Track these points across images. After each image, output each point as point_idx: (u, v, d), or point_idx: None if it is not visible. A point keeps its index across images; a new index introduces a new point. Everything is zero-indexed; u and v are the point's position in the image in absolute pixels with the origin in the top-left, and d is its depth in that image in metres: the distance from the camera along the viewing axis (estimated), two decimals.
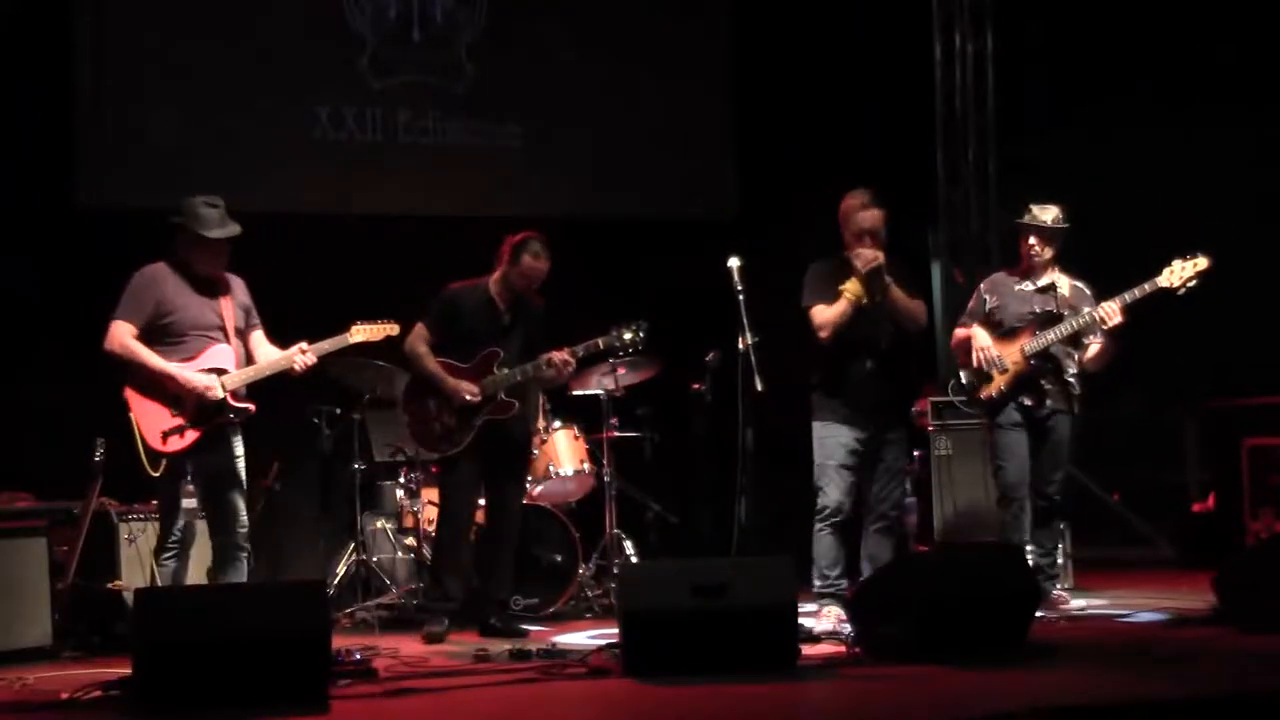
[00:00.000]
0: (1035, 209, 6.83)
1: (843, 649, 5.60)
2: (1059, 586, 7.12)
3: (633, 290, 9.17)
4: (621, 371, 7.70)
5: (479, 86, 9.46)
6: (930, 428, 8.00)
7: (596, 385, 7.79)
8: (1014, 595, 5.63)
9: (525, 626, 6.93)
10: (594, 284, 8.99)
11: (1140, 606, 6.86)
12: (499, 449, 6.78)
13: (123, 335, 5.98)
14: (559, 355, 6.66)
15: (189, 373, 5.95)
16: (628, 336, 6.78)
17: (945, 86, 10.21)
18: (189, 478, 6.14)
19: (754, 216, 9.49)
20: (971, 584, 5.56)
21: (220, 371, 6.02)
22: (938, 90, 10.19)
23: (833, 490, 6.51)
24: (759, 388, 6.19)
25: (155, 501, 6.39)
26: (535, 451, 7.81)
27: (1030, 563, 6.93)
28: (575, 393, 7.90)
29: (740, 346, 6.29)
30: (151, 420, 5.94)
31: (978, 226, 10.19)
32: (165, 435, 5.94)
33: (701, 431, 8.01)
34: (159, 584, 6.12)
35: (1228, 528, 8.45)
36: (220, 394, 5.98)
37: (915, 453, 8.27)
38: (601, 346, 6.79)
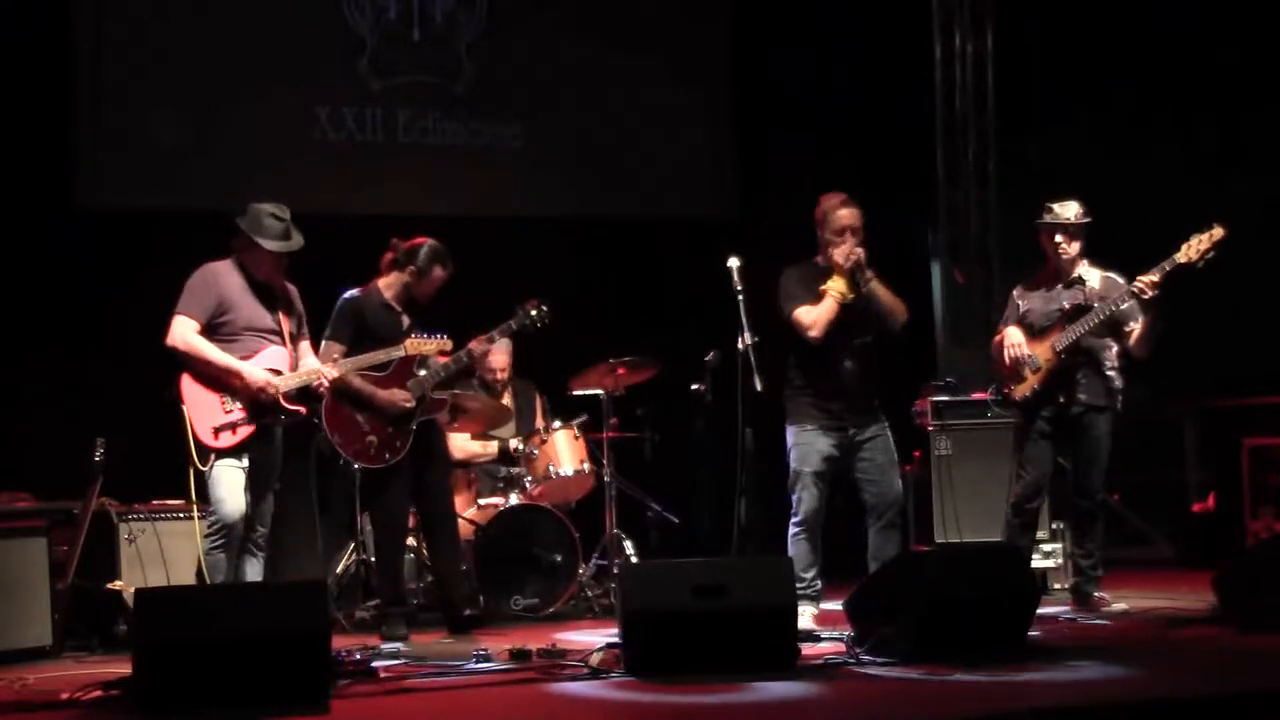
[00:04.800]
0: (1056, 207, 6.83)
1: (843, 649, 5.60)
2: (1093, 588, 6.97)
3: (632, 290, 9.18)
4: (621, 371, 7.70)
5: (479, 86, 9.45)
6: (930, 428, 7.99)
7: (596, 385, 7.79)
8: (1014, 595, 5.63)
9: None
10: (594, 284, 8.99)
11: (1140, 607, 6.86)
12: (429, 450, 6.88)
13: (185, 331, 6.01)
14: (476, 346, 6.93)
15: (251, 367, 5.98)
16: (534, 313, 7.02)
17: (945, 86, 10.20)
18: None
19: (754, 216, 9.48)
20: (971, 584, 5.56)
21: (275, 373, 6.05)
22: (938, 90, 10.19)
23: (808, 498, 6.51)
24: (759, 388, 6.19)
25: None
26: (535, 452, 7.83)
27: (1072, 565, 6.97)
28: (575, 393, 7.90)
29: (740, 346, 6.29)
30: (204, 415, 5.98)
31: (978, 226, 10.18)
32: (217, 431, 5.97)
33: (701, 431, 7.99)
34: (204, 575, 6.09)
35: (1228, 528, 8.45)
36: (279, 389, 6.03)
37: (915, 453, 8.26)
38: (514, 327, 7.03)
